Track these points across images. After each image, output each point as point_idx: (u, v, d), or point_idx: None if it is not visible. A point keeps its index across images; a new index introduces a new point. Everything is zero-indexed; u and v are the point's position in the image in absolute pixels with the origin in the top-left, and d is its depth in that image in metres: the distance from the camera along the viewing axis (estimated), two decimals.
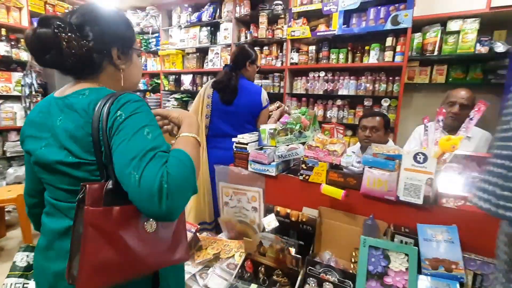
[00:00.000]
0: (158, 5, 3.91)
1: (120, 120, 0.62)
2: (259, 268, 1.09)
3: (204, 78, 3.66)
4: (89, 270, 0.58)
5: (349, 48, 2.64)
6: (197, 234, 1.33)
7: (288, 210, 1.23)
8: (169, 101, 3.95)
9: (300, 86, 2.96)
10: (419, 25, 2.33)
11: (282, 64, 3.00)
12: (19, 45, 3.26)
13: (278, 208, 1.25)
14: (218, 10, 3.40)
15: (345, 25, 2.57)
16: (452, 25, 2.22)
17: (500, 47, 2.10)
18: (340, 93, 2.72)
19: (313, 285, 0.98)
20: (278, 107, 2.05)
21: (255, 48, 3.18)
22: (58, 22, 0.65)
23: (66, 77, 0.74)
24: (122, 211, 0.61)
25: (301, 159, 1.25)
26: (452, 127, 1.69)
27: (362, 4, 2.44)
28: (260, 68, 2.22)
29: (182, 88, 3.83)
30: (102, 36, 0.71)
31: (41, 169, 0.71)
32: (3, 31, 3.12)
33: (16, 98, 3.27)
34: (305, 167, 1.21)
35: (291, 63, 2.92)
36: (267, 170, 1.29)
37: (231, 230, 1.40)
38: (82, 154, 0.64)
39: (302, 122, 1.33)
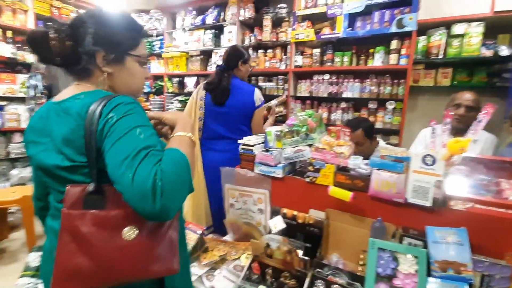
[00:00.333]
0: (162, 8, 3.94)
1: (112, 122, 0.61)
2: (266, 270, 1.08)
3: None
4: (61, 274, 0.57)
5: (354, 51, 2.65)
6: (203, 236, 1.33)
7: (295, 212, 1.22)
8: (172, 103, 3.96)
9: (304, 88, 2.97)
10: (424, 28, 2.33)
11: (286, 67, 3.00)
12: (24, 47, 3.28)
13: (285, 210, 1.25)
14: (222, 13, 3.42)
15: (350, 28, 2.58)
16: (457, 29, 2.22)
17: (504, 51, 2.10)
18: (344, 95, 2.72)
19: (321, 287, 0.97)
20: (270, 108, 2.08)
21: (259, 50, 3.20)
22: (51, 23, 0.68)
23: (70, 79, 0.76)
24: (100, 215, 0.60)
25: (308, 161, 1.25)
26: (457, 129, 1.69)
27: (367, 8, 2.44)
28: (253, 68, 2.21)
29: (185, 91, 3.84)
30: (90, 38, 0.71)
31: (42, 174, 0.71)
32: (9, 33, 3.15)
33: (21, 100, 3.29)
34: (312, 169, 1.21)
35: (295, 66, 2.93)
36: (274, 172, 1.29)
37: (236, 232, 1.40)
38: (76, 157, 0.64)
39: (309, 124, 1.33)
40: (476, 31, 2.14)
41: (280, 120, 2.89)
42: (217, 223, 1.51)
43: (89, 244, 0.58)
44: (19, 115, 3.26)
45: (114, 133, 0.60)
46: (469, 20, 2.17)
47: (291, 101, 3.02)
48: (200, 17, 3.57)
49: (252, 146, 1.38)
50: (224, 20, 3.39)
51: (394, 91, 2.49)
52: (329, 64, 2.77)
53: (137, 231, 0.60)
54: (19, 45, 3.24)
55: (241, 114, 1.93)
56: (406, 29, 2.28)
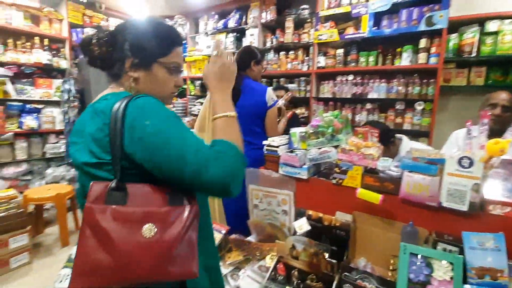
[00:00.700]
0: (186, 14, 4.05)
1: (144, 124, 0.64)
2: (292, 272, 1.07)
3: None
4: (81, 269, 0.58)
5: (380, 50, 2.58)
6: (227, 235, 1.34)
7: (321, 214, 1.20)
8: (195, 105, 4.05)
9: (327, 90, 2.93)
10: (455, 26, 2.23)
11: (308, 68, 2.98)
12: (59, 54, 3.50)
13: (310, 212, 1.23)
14: (244, 16, 3.46)
15: (375, 27, 2.52)
16: (491, 26, 2.12)
17: None
18: (370, 96, 2.66)
19: None
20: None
21: (281, 52, 3.20)
22: (97, 31, 0.77)
23: (100, 83, 0.81)
24: (120, 210, 0.61)
25: (334, 162, 1.23)
26: (492, 130, 1.60)
27: (393, 6, 2.38)
28: (266, 69, 2.18)
29: (207, 93, 3.91)
30: (122, 45, 0.76)
31: (78, 171, 0.75)
32: (46, 41, 3.36)
33: (56, 103, 3.50)
34: (338, 171, 1.19)
35: (318, 67, 2.90)
36: (299, 173, 1.28)
37: (260, 233, 1.40)
38: (101, 154, 0.66)
39: (335, 125, 1.31)
40: (510, 28, 2.04)
41: (303, 121, 2.86)
42: (233, 224, 1.50)
43: (109, 239, 0.58)
44: (54, 118, 3.47)
45: (153, 135, 0.63)
46: (502, 17, 2.08)
47: (314, 103, 2.99)
48: (222, 21, 3.64)
49: (277, 147, 1.38)
50: (246, 23, 3.43)
51: (423, 91, 2.39)
52: (353, 64, 2.72)
53: (156, 229, 0.61)
54: (54, 52, 3.44)
55: (253, 114, 1.90)
56: (436, 26, 2.19)
